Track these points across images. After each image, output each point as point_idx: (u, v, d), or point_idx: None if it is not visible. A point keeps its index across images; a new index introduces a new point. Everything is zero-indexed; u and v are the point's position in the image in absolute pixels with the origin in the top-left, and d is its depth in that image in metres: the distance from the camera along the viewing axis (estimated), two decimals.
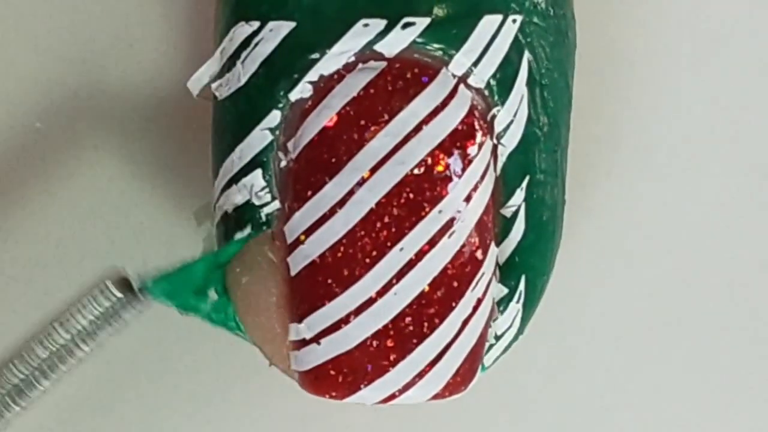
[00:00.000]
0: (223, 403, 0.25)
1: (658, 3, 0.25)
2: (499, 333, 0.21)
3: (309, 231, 0.20)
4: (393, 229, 0.20)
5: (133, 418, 0.25)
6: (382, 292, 0.20)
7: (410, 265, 0.20)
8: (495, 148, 0.20)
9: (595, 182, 0.25)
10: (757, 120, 0.25)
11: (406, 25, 0.20)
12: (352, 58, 0.20)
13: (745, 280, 0.25)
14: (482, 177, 0.20)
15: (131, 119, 0.24)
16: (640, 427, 0.26)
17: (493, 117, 0.20)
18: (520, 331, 0.22)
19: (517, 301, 0.21)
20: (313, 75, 0.20)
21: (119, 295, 0.20)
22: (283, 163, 0.20)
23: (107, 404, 0.25)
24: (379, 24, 0.20)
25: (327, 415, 0.26)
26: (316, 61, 0.20)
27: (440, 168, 0.20)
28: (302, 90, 0.20)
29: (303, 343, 0.20)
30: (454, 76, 0.20)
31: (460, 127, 0.20)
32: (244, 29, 0.20)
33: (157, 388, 0.25)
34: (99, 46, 0.24)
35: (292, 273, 0.20)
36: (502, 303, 0.21)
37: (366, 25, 0.20)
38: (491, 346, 0.21)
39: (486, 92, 0.20)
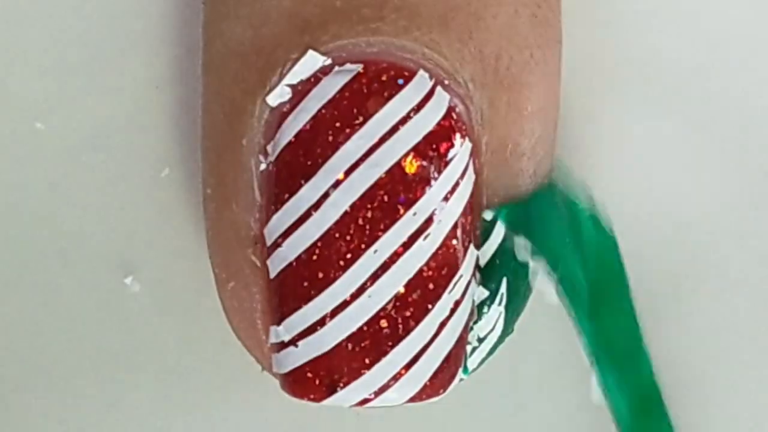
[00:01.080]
0: (223, 403, 0.25)
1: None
2: (481, 335, 0.21)
3: (286, 233, 0.20)
4: (367, 232, 0.19)
5: (132, 417, 0.25)
6: (356, 295, 0.20)
7: (384, 267, 0.20)
8: (475, 149, 0.20)
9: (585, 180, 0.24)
10: (745, 117, 0.25)
11: None
12: (329, 61, 0.20)
13: (740, 276, 0.25)
14: (460, 179, 0.20)
15: (132, 119, 0.24)
16: None
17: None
18: (506, 333, 0.22)
19: (499, 304, 0.21)
20: (292, 78, 0.20)
21: None
22: (263, 167, 0.20)
23: (107, 404, 0.25)
24: None
25: (326, 416, 0.26)
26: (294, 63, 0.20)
27: (414, 170, 0.20)
28: (281, 94, 0.20)
29: (282, 345, 0.20)
30: (431, 77, 0.20)
31: (436, 130, 0.20)
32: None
33: (157, 387, 0.25)
34: (99, 46, 0.24)
35: (272, 275, 0.20)
36: (484, 305, 0.21)
37: None
38: (474, 349, 0.21)
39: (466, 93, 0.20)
